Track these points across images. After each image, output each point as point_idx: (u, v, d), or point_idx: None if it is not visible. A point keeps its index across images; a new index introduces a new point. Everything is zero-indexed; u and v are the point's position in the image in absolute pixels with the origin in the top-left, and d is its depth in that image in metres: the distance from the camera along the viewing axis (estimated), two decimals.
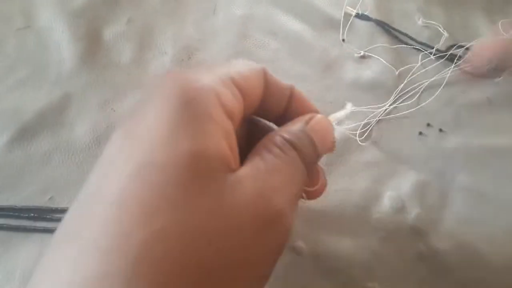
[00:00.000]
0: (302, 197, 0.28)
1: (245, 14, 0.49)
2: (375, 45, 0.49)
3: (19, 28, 0.43)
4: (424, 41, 0.52)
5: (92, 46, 0.43)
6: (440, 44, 0.51)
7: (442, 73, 0.48)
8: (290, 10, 0.50)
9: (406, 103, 0.46)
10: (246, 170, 0.21)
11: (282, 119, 0.28)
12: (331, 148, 0.27)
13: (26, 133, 0.38)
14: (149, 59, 0.44)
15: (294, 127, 0.25)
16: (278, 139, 0.24)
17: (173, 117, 0.20)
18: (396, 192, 0.40)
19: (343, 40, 0.49)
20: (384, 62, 0.48)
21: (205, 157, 0.20)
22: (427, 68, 0.49)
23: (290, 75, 0.45)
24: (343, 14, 0.50)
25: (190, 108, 0.20)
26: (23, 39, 0.42)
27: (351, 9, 0.51)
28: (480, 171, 0.42)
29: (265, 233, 0.20)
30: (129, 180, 0.19)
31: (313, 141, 0.25)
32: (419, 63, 0.49)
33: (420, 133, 0.44)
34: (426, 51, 0.51)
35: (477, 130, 0.45)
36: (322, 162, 0.40)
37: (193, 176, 0.19)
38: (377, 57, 0.48)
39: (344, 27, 0.50)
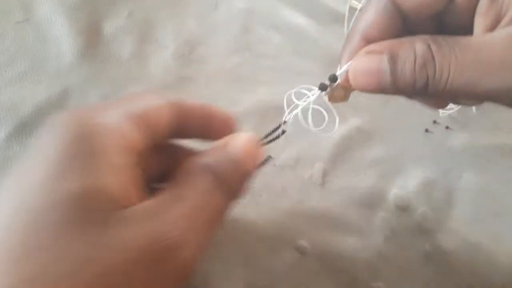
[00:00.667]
0: None
1: (247, 8, 0.48)
2: None
3: (18, 21, 0.42)
4: None
5: (92, 40, 0.42)
6: None
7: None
8: (293, 4, 0.49)
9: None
10: (144, 204, 0.21)
11: (206, 138, 0.28)
12: (257, 165, 0.27)
13: (24, 128, 0.37)
14: (150, 54, 0.43)
15: (212, 151, 0.25)
16: (189, 165, 0.24)
17: (60, 156, 0.20)
18: (402, 190, 0.39)
19: None
20: None
21: (89, 196, 0.19)
22: None
23: (293, 70, 0.45)
24: (348, 8, 0.49)
25: (81, 146, 0.20)
26: (22, 33, 0.41)
27: (356, 2, 0.50)
28: (487, 169, 0.42)
29: (157, 268, 0.20)
30: (3, 229, 0.18)
31: (235, 161, 0.25)
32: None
33: (426, 130, 0.43)
34: None
35: (484, 128, 0.44)
36: (325, 158, 0.40)
37: (71, 217, 0.18)
38: None
39: (349, 21, 0.49)
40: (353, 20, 0.49)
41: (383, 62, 0.24)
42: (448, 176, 0.41)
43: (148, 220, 0.20)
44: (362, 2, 0.50)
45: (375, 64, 0.25)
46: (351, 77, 0.27)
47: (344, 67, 0.28)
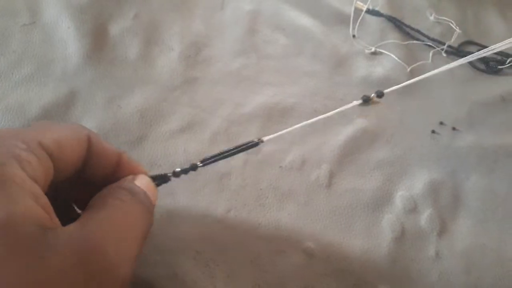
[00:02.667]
0: None
1: (253, 9, 0.48)
2: (386, 41, 0.48)
3: (25, 23, 0.42)
4: (435, 37, 0.51)
5: (98, 42, 0.42)
6: (452, 41, 0.50)
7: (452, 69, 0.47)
8: (299, 5, 0.49)
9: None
10: (71, 226, 0.21)
11: (109, 182, 0.27)
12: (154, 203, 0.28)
13: None
14: (156, 55, 0.43)
15: (125, 180, 0.26)
16: (115, 189, 0.25)
17: None
18: (408, 192, 0.39)
19: (354, 36, 0.48)
20: (396, 58, 0.47)
21: (11, 222, 0.19)
22: (440, 69, 0.48)
23: (299, 71, 0.45)
24: (353, 10, 0.49)
25: None
26: (29, 35, 0.41)
27: (362, 4, 0.50)
28: (493, 170, 0.42)
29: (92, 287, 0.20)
30: None
31: (145, 192, 0.26)
32: (430, 60, 0.49)
33: (433, 131, 0.43)
34: (438, 47, 0.50)
35: (490, 129, 0.44)
36: (332, 160, 0.40)
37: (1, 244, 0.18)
38: (388, 53, 0.47)
39: (354, 22, 0.49)
40: (358, 21, 0.49)
41: None
42: (454, 177, 0.41)
43: (81, 240, 0.20)
44: (368, 3, 0.50)
45: None
46: None
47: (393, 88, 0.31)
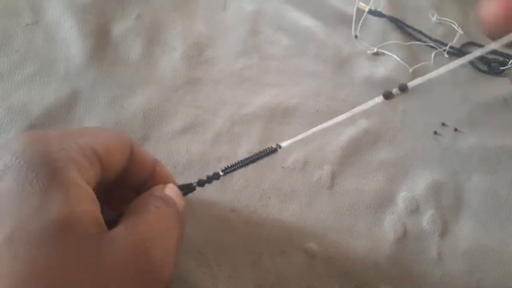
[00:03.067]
0: None
1: (255, 10, 0.48)
2: (388, 42, 0.48)
3: (27, 23, 0.42)
4: (438, 38, 0.51)
5: (100, 42, 0.42)
6: (454, 42, 0.50)
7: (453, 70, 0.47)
8: (301, 6, 0.49)
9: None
10: (121, 228, 0.23)
11: (143, 188, 0.28)
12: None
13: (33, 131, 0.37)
14: (159, 56, 0.43)
15: (157, 189, 0.27)
16: (151, 197, 0.26)
17: (38, 186, 0.20)
18: (410, 192, 0.39)
19: (356, 36, 0.48)
20: (398, 59, 0.47)
21: (76, 222, 0.20)
22: (442, 71, 0.47)
23: (302, 72, 0.45)
24: (355, 10, 0.49)
25: (55, 176, 0.21)
26: (31, 35, 0.42)
27: (364, 5, 0.50)
28: (495, 171, 0.42)
29: (147, 285, 0.21)
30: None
31: (175, 202, 0.27)
32: (432, 61, 0.49)
33: (435, 132, 0.43)
34: (440, 48, 0.50)
35: (493, 130, 0.44)
36: (334, 161, 0.40)
37: (64, 243, 0.19)
38: (390, 54, 0.47)
39: (356, 23, 0.49)
40: (360, 21, 0.49)
41: None
42: (457, 178, 0.41)
43: (136, 241, 0.22)
44: (370, 4, 0.50)
45: None
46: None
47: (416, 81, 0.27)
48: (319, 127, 0.31)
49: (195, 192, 0.36)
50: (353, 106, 0.43)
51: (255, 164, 0.38)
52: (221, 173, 0.30)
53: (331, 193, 0.38)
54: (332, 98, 0.43)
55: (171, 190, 0.28)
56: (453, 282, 0.36)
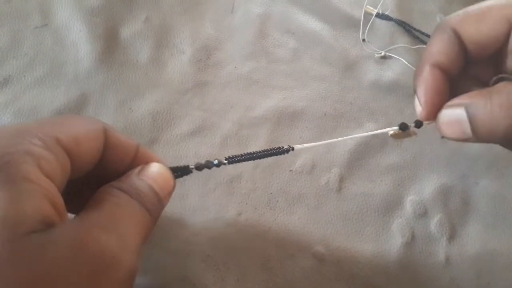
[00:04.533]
0: None
1: (263, 13, 0.48)
2: (396, 45, 0.48)
3: (37, 26, 0.42)
4: None
5: (109, 45, 0.42)
6: None
7: None
8: (309, 9, 0.49)
9: None
10: (69, 223, 0.21)
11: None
12: (169, 192, 0.28)
13: None
14: (167, 58, 0.43)
15: (127, 176, 0.26)
16: (107, 188, 0.25)
17: None
18: (418, 196, 0.39)
19: (364, 40, 0.48)
20: (405, 62, 0.47)
21: (14, 221, 0.19)
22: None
23: (309, 75, 0.45)
24: (363, 14, 0.49)
25: (3, 172, 0.20)
26: (41, 38, 0.42)
27: (372, 8, 0.50)
28: (503, 175, 0.41)
29: (96, 281, 0.20)
30: None
31: (150, 185, 0.26)
32: None
33: (443, 136, 0.43)
34: None
35: None
36: (342, 164, 0.40)
37: (3, 242, 0.19)
38: (398, 57, 0.47)
39: (364, 26, 0.49)
40: (368, 25, 0.49)
41: (462, 114, 0.26)
42: (464, 182, 0.41)
43: (83, 235, 0.21)
44: (378, 7, 0.50)
45: (456, 116, 0.26)
46: (439, 127, 0.28)
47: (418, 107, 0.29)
48: (334, 140, 0.31)
49: (203, 195, 0.36)
50: (361, 110, 0.43)
51: (263, 167, 0.38)
52: (224, 162, 0.29)
53: (339, 197, 0.38)
54: (339, 101, 0.43)
55: (151, 169, 0.27)
56: (462, 286, 0.36)
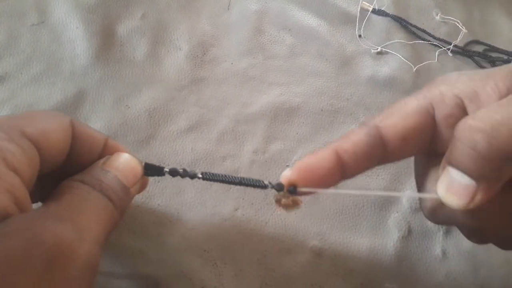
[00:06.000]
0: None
1: (260, 9, 0.48)
2: (392, 41, 0.48)
3: (33, 23, 0.42)
4: (442, 37, 0.51)
5: (106, 42, 0.42)
6: (458, 40, 0.50)
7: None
8: (305, 5, 0.49)
9: None
10: (27, 214, 0.21)
11: None
12: (135, 182, 0.27)
13: None
14: (164, 55, 0.43)
15: (90, 168, 0.26)
16: (68, 181, 0.24)
17: None
18: (415, 190, 0.39)
19: (360, 35, 0.48)
20: (402, 58, 0.47)
21: None
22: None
23: (306, 71, 0.45)
24: (359, 9, 0.50)
25: None
26: (37, 35, 0.42)
27: (368, 4, 0.50)
28: None
29: (51, 271, 0.20)
30: None
31: (114, 176, 0.25)
32: (436, 60, 0.49)
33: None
34: (444, 47, 0.50)
35: None
36: None
37: None
38: (394, 53, 0.47)
39: (360, 22, 0.49)
40: (364, 21, 0.49)
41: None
42: None
43: (38, 227, 0.20)
44: (374, 3, 0.50)
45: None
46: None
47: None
48: (345, 191, 0.29)
49: (200, 190, 0.36)
50: (357, 105, 0.43)
51: (260, 163, 0.39)
52: (199, 175, 0.28)
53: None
54: (336, 97, 0.44)
55: (117, 159, 0.26)
56: (458, 281, 0.36)
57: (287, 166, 0.39)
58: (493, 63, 0.50)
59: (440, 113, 0.27)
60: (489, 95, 0.26)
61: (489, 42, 0.52)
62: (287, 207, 0.27)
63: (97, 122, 0.38)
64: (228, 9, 0.48)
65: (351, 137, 0.27)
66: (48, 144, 0.24)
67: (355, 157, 0.27)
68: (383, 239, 0.37)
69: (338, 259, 0.35)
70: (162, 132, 0.39)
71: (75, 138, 0.26)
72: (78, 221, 0.22)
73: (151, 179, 0.36)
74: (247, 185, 0.28)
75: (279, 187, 0.26)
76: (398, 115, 0.27)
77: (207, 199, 0.36)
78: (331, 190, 0.28)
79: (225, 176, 0.28)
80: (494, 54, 0.51)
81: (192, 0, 0.47)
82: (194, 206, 0.36)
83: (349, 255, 0.36)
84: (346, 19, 0.49)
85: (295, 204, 0.27)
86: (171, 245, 0.34)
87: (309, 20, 0.49)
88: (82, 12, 0.43)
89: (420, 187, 0.29)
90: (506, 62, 0.50)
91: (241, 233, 0.35)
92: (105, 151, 0.27)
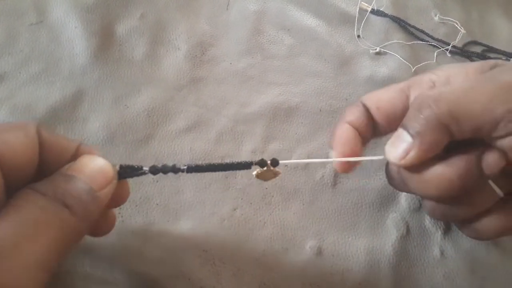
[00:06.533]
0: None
1: (258, 9, 0.48)
2: (390, 41, 0.49)
3: (32, 23, 0.42)
4: (440, 37, 0.51)
5: (105, 42, 0.42)
6: (457, 41, 0.50)
7: None
8: (304, 5, 0.49)
9: None
10: None
11: None
12: (106, 184, 0.25)
13: None
14: (163, 55, 0.43)
15: (53, 174, 0.24)
16: (20, 191, 0.22)
17: None
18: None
19: (358, 36, 0.49)
20: (400, 58, 0.47)
21: None
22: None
23: (304, 71, 0.45)
24: (358, 10, 0.50)
25: None
26: (36, 35, 0.42)
27: (366, 4, 0.50)
28: None
29: None
30: None
31: (78, 180, 0.23)
32: (434, 60, 0.49)
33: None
34: (443, 47, 0.50)
35: None
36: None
37: None
38: (392, 53, 0.47)
39: (359, 23, 0.49)
40: (363, 21, 0.49)
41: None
42: None
43: None
44: (372, 3, 0.50)
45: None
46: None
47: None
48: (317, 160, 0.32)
49: (199, 190, 0.36)
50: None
51: None
52: (183, 168, 0.27)
53: (334, 192, 0.38)
54: (334, 97, 0.44)
55: (82, 161, 0.24)
56: (456, 281, 0.36)
57: (285, 166, 0.39)
58: None
59: (414, 94, 0.32)
60: (458, 81, 0.31)
61: (487, 43, 0.52)
62: (267, 177, 0.30)
63: (95, 122, 0.38)
64: (227, 9, 0.48)
65: (350, 114, 0.34)
66: (11, 155, 0.22)
67: (362, 125, 0.33)
68: (381, 239, 0.37)
69: (336, 259, 0.35)
70: (161, 132, 0.39)
71: (43, 146, 0.24)
72: (10, 241, 0.20)
73: (150, 179, 0.36)
74: (232, 168, 0.29)
75: (262, 162, 0.29)
76: (378, 92, 0.34)
77: (205, 199, 0.36)
78: (305, 160, 0.36)
79: (210, 164, 0.28)
80: (492, 55, 0.51)
81: (191, 0, 0.47)
82: (192, 205, 0.36)
83: (348, 254, 0.36)
84: (345, 20, 0.49)
85: (276, 174, 0.30)
86: (170, 245, 0.34)
87: (308, 20, 0.49)
88: (81, 12, 0.43)
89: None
90: None
91: (239, 232, 0.35)
92: (78, 156, 0.25)
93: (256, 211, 0.36)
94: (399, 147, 0.29)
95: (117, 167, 0.26)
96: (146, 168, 0.27)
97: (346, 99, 0.44)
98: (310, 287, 0.34)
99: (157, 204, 0.35)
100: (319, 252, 0.35)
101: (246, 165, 0.29)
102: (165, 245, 0.34)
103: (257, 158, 0.38)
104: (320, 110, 0.43)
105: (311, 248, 0.35)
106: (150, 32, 0.44)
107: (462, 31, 0.51)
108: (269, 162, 0.29)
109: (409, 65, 0.47)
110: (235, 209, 0.36)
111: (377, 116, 0.33)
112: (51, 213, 0.22)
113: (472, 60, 0.50)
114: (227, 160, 0.29)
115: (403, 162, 0.29)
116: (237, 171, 0.38)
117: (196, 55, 0.44)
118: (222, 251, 0.34)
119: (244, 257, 0.34)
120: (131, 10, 0.45)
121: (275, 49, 0.46)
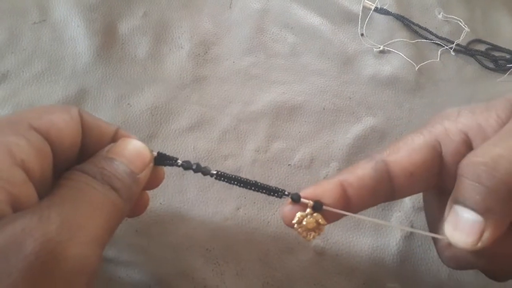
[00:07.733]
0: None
1: (261, 8, 0.48)
2: (394, 40, 0.48)
3: (35, 22, 0.42)
4: (444, 35, 0.51)
5: (107, 40, 0.42)
6: (461, 39, 0.50)
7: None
8: (307, 4, 0.49)
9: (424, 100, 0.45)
10: (16, 214, 0.20)
11: None
12: (144, 168, 0.26)
13: None
14: (165, 53, 0.43)
15: (94, 156, 0.25)
16: (68, 172, 0.23)
17: None
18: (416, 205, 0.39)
19: (362, 34, 0.48)
20: (404, 57, 0.47)
21: None
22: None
23: (308, 70, 0.45)
24: (361, 8, 0.49)
25: None
26: (39, 33, 0.42)
27: (370, 3, 0.50)
28: None
29: (33, 281, 0.18)
30: None
31: (119, 162, 0.24)
32: (438, 59, 0.48)
33: None
34: (447, 46, 0.50)
35: None
36: (340, 158, 0.40)
37: None
38: (396, 52, 0.47)
39: (362, 21, 0.49)
40: (366, 19, 0.49)
41: None
42: None
43: (29, 226, 0.19)
44: (376, 2, 0.50)
45: None
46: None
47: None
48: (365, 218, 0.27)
49: (202, 189, 0.36)
50: (359, 104, 0.43)
51: (261, 162, 0.38)
52: (213, 172, 0.27)
53: None
54: (338, 95, 0.43)
55: (122, 144, 0.25)
56: (461, 280, 0.36)
57: (289, 165, 0.39)
58: (496, 62, 0.49)
59: (447, 150, 0.27)
60: (493, 127, 0.26)
61: (491, 41, 0.51)
62: (307, 230, 0.25)
63: None
64: (230, 7, 0.48)
65: (357, 171, 0.27)
66: (58, 135, 0.23)
67: (360, 191, 0.26)
68: (385, 239, 0.36)
69: (340, 259, 0.35)
70: (164, 130, 0.39)
71: (85, 128, 0.25)
72: (68, 219, 0.20)
73: None
74: (262, 191, 0.27)
75: (296, 197, 0.25)
76: (405, 150, 0.27)
77: (209, 198, 0.36)
78: (359, 216, 0.27)
79: (240, 178, 0.27)
80: (496, 53, 0.51)
81: None
82: (196, 204, 0.36)
83: (352, 254, 0.35)
84: (348, 18, 0.49)
85: (317, 227, 0.25)
86: (173, 244, 0.34)
87: (311, 18, 0.48)
88: (83, 11, 0.43)
89: (433, 229, 0.29)
90: (509, 60, 0.50)
91: (243, 232, 0.35)
92: (116, 141, 0.26)
93: (259, 210, 0.36)
94: (468, 230, 0.24)
95: (155, 154, 0.27)
96: (179, 161, 0.28)
97: (350, 98, 0.43)
98: (314, 286, 0.34)
99: (161, 203, 0.35)
100: (323, 251, 0.35)
101: (277, 192, 0.27)
102: (168, 244, 0.34)
103: (260, 156, 0.39)
104: (324, 109, 0.42)
105: (315, 247, 0.35)
106: (153, 31, 0.44)
107: (466, 29, 0.51)
108: (311, 203, 0.25)
109: (413, 63, 0.47)
110: (238, 209, 0.36)
111: (404, 181, 0.27)
112: (103, 195, 0.23)
113: (476, 59, 0.49)
114: (242, 173, 0.28)
115: (480, 245, 0.24)
116: (240, 170, 0.38)
117: (199, 54, 0.44)
118: (225, 250, 0.34)
119: (247, 256, 0.34)
120: (133, 9, 0.45)
121: (278, 47, 0.46)
